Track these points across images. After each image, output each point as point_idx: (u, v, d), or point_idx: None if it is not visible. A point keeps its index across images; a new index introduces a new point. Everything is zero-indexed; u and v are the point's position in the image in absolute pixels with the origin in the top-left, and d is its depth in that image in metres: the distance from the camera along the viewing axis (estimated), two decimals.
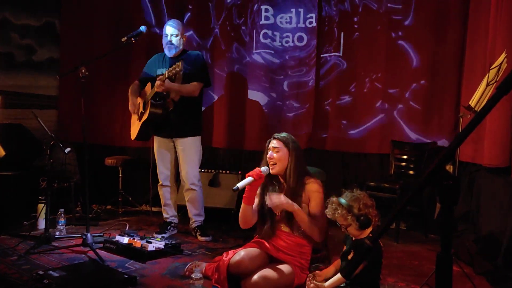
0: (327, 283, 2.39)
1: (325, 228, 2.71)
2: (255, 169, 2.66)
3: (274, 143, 2.76)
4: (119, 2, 5.05)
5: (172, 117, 3.76)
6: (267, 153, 2.76)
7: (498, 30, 3.41)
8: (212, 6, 4.79)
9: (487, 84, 2.88)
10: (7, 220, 3.97)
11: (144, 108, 3.83)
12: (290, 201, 2.62)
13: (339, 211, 2.37)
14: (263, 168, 2.68)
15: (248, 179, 2.60)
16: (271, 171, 2.71)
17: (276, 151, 2.73)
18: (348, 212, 2.35)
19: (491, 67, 2.90)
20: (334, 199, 2.43)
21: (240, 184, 2.58)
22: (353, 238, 2.44)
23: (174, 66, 3.45)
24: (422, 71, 4.28)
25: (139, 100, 3.92)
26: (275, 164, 2.71)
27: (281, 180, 2.79)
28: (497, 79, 2.85)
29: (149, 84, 3.88)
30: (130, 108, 3.90)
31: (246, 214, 2.73)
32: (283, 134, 2.82)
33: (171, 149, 3.92)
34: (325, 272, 2.54)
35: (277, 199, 2.62)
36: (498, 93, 1.05)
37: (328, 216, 2.47)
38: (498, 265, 3.09)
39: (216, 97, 4.81)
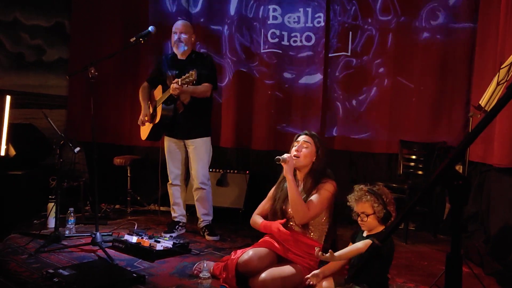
0: (337, 253, 2.34)
1: (311, 218, 2.67)
2: (290, 155, 2.71)
3: (305, 138, 2.78)
4: (128, 3, 5.08)
5: (182, 119, 3.78)
6: (294, 146, 2.78)
7: (508, 29, 3.38)
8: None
9: (497, 84, 2.85)
10: (18, 218, 4.01)
11: (155, 111, 3.85)
12: (292, 170, 2.66)
13: (368, 197, 2.35)
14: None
15: (285, 157, 2.66)
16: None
17: (305, 146, 2.75)
18: (377, 199, 2.34)
19: (501, 67, 2.87)
20: (362, 186, 2.42)
21: (281, 157, 2.66)
22: (364, 234, 2.42)
23: (187, 75, 3.44)
24: (432, 70, 4.25)
25: (149, 103, 3.94)
26: (298, 157, 2.73)
27: (299, 177, 2.80)
28: (507, 79, 2.82)
29: (159, 87, 3.90)
30: (141, 118, 3.90)
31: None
32: (314, 133, 2.85)
33: (182, 148, 3.94)
34: (324, 270, 2.51)
35: (289, 157, 2.67)
36: (508, 92, 1.04)
37: (349, 203, 2.44)
38: (508, 265, 3.06)
39: (223, 98, 4.82)
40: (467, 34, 4.10)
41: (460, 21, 4.14)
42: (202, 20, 4.83)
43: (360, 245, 2.33)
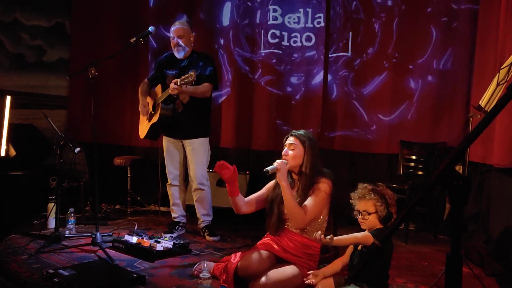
0: (335, 238, 2.35)
1: (308, 223, 2.64)
2: (281, 161, 2.66)
3: (290, 139, 2.75)
4: (128, 3, 5.08)
5: (181, 119, 3.78)
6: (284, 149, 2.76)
7: (508, 30, 3.38)
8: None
9: (497, 84, 2.85)
10: (18, 219, 4.01)
11: (154, 109, 3.85)
12: (285, 177, 2.61)
13: (371, 196, 2.36)
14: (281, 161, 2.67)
15: (273, 166, 2.61)
16: None
17: (291, 148, 2.72)
18: (380, 199, 2.35)
19: (501, 67, 2.87)
20: (367, 184, 2.43)
21: (269, 168, 2.61)
22: (366, 231, 2.42)
23: (187, 75, 3.43)
24: (432, 70, 4.25)
25: (149, 99, 3.94)
26: (287, 161, 2.70)
27: (294, 176, 2.79)
28: (507, 79, 2.82)
29: (159, 86, 3.90)
30: (140, 108, 3.91)
31: (235, 203, 2.80)
32: (301, 132, 2.79)
33: (180, 149, 3.94)
34: (324, 270, 2.51)
35: (280, 164, 2.61)
36: (508, 93, 1.04)
37: (352, 200, 2.44)
38: (509, 266, 3.06)
39: (223, 98, 4.82)
40: (467, 34, 4.10)
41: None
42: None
43: (359, 235, 2.35)
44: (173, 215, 4.03)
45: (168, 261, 3.20)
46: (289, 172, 2.75)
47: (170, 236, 3.59)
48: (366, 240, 2.30)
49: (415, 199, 1.16)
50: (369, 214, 2.37)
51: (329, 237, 2.30)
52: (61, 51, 5.20)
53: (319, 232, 2.34)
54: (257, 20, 4.71)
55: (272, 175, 2.69)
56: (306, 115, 4.62)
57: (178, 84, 3.47)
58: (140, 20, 4.95)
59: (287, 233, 2.75)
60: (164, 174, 4.07)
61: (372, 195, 2.37)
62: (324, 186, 2.67)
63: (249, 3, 4.73)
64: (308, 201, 2.64)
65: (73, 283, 2.57)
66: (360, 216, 2.41)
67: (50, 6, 5.14)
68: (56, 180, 3.65)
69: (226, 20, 4.79)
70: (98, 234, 3.35)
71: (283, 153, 2.74)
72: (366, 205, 2.38)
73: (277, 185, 2.77)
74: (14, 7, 4.95)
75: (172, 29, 3.85)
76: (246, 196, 2.92)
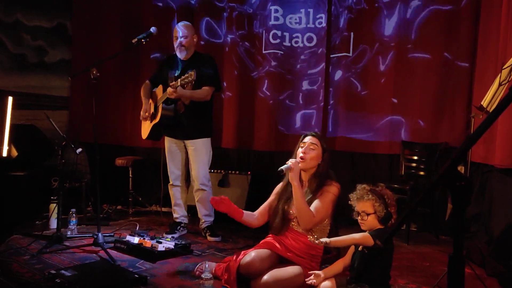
0: (332, 239, 2.37)
1: (316, 224, 2.66)
2: (295, 160, 2.67)
3: (312, 139, 2.75)
4: (130, 4, 5.09)
5: (183, 120, 3.78)
6: (300, 147, 2.74)
7: (510, 30, 3.38)
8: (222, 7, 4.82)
9: (499, 84, 2.85)
10: (20, 219, 4.02)
11: (156, 110, 3.86)
12: (297, 177, 2.61)
13: (370, 196, 2.36)
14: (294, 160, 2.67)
15: (287, 165, 2.62)
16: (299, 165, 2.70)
17: (312, 148, 2.72)
18: (379, 199, 2.35)
19: (503, 67, 2.87)
20: (365, 185, 2.43)
21: (284, 167, 2.61)
22: (367, 232, 2.41)
23: (187, 75, 3.44)
24: (433, 71, 4.24)
25: (150, 101, 3.95)
26: (305, 160, 2.70)
27: (303, 177, 2.78)
28: (510, 79, 2.82)
29: (160, 87, 3.90)
30: (141, 113, 3.91)
31: (245, 222, 2.84)
32: (320, 134, 2.84)
33: (182, 149, 3.94)
34: (325, 271, 2.51)
35: (294, 164, 2.62)
36: (510, 93, 1.04)
37: (351, 201, 2.44)
38: (511, 267, 3.05)
39: (225, 98, 4.82)
40: (469, 34, 4.08)
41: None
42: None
43: (357, 236, 2.35)
44: (175, 215, 4.03)
45: (170, 262, 3.20)
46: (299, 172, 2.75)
47: (172, 237, 3.59)
48: (365, 240, 2.30)
49: (417, 199, 1.16)
50: (368, 214, 2.37)
51: (324, 240, 2.31)
52: (62, 52, 5.21)
53: (310, 237, 2.40)
54: (257, 26, 4.71)
55: (281, 176, 2.69)
56: (307, 115, 4.62)
57: (179, 84, 3.47)
58: (141, 20, 4.96)
59: (291, 232, 2.75)
60: (166, 174, 4.07)
61: (370, 196, 2.37)
62: (333, 188, 2.69)
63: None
64: (317, 203, 2.65)
65: (75, 284, 2.58)
66: (359, 217, 2.41)
67: (51, 7, 5.14)
68: (58, 181, 3.65)
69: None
70: (99, 234, 3.35)
71: (302, 151, 2.72)
72: (364, 205, 2.38)
73: (287, 184, 2.77)
74: (15, 8, 4.96)
75: (175, 28, 3.85)
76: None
